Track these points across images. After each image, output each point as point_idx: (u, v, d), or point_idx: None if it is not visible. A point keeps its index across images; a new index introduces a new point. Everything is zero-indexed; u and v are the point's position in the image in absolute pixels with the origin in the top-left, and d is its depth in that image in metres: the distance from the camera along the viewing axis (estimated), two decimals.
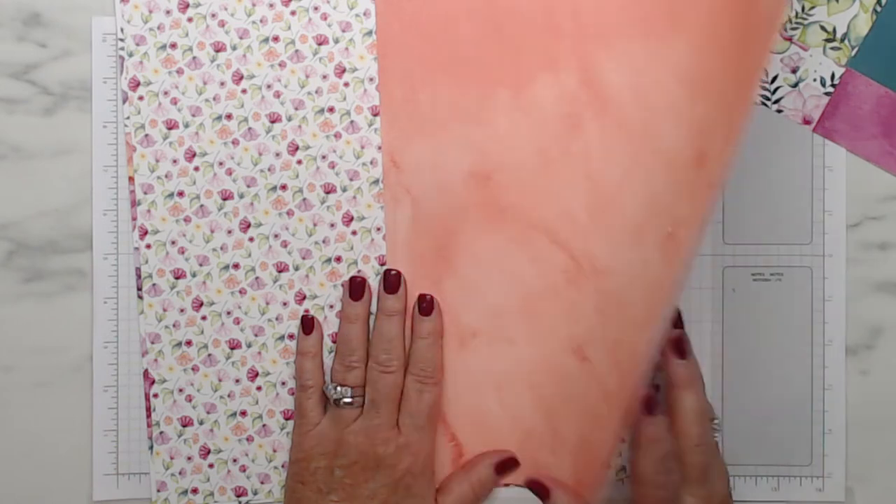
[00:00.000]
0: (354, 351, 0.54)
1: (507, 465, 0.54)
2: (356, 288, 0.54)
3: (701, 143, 0.51)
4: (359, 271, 0.55)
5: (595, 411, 0.53)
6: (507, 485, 0.55)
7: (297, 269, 0.55)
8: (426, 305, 0.54)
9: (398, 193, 0.55)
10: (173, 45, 0.55)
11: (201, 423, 0.55)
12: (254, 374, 0.55)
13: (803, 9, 0.56)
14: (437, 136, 0.54)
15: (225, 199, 0.55)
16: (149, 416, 0.55)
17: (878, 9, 0.56)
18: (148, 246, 0.55)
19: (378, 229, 0.55)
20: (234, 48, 0.55)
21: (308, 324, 0.55)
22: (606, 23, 0.53)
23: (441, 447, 0.55)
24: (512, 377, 0.54)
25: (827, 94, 0.56)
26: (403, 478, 0.52)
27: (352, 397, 0.53)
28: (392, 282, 0.54)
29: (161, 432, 0.55)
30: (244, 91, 0.55)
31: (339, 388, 0.53)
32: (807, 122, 0.56)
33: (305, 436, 0.53)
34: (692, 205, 0.51)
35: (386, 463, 0.52)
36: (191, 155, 0.55)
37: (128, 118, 0.55)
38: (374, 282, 0.55)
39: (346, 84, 0.55)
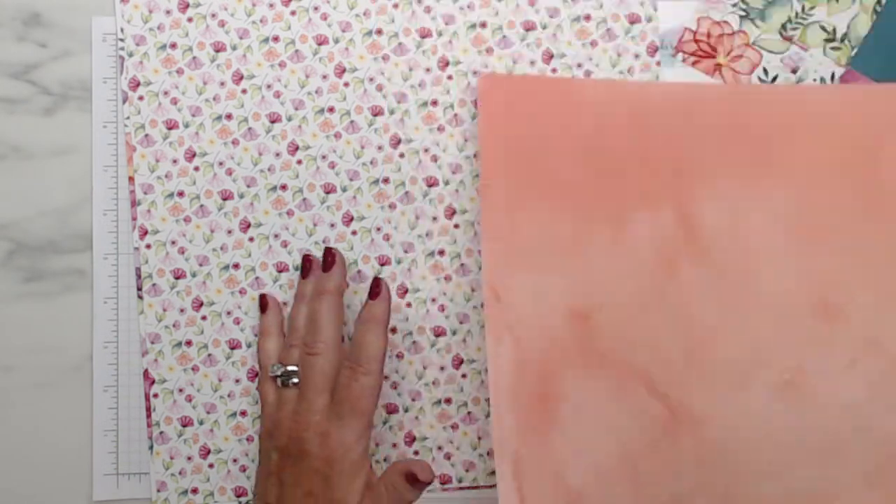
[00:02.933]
0: (297, 330, 0.52)
1: (417, 477, 0.50)
2: (306, 266, 0.54)
3: (823, 291, 0.52)
4: (359, 272, 0.55)
5: None
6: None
7: (297, 269, 0.55)
8: (375, 289, 0.52)
9: (500, 330, 0.52)
10: (173, 45, 0.55)
11: (201, 423, 0.55)
12: (254, 374, 0.55)
13: (803, 9, 0.56)
14: (538, 268, 0.52)
15: (225, 199, 0.55)
16: (149, 416, 0.55)
17: (878, 9, 0.56)
18: (148, 246, 0.55)
19: (378, 229, 0.55)
20: (234, 48, 0.55)
21: (264, 303, 0.54)
22: (703, 163, 0.53)
23: None
24: None
25: None
26: (322, 468, 0.49)
27: (289, 377, 0.51)
28: (328, 260, 0.53)
29: (161, 432, 0.55)
30: (244, 91, 0.55)
31: (279, 368, 0.52)
32: None
33: (266, 420, 0.52)
34: (823, 356, 0.51)
35: (307, 450, 0.49)
36: (191, 155, 0.55)
37: (128, 118, 0.55)
38: (371, 274, 0.55)
39: (346, 84, 0.55)
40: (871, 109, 0.53)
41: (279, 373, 0.51)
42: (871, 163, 0.53)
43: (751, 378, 0.52)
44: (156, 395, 0.55)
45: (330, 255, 0.53)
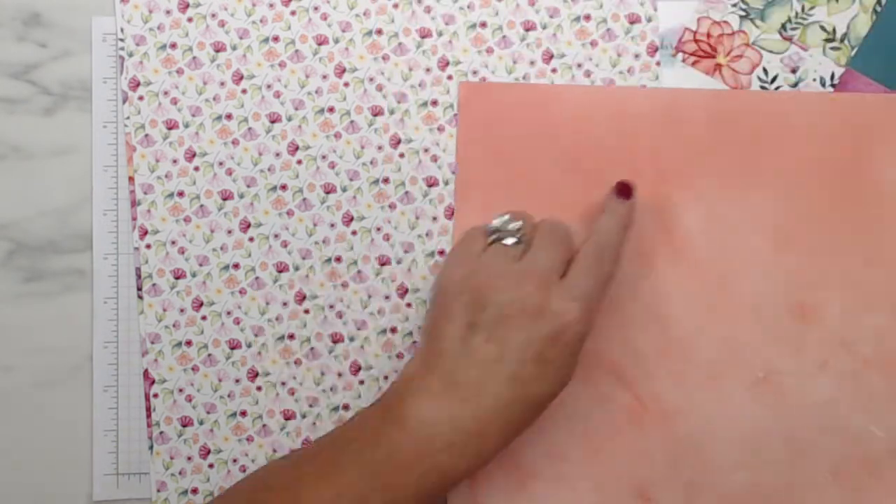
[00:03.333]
0: (524, 215, 0.50)
1: (625, 187, 0.51)
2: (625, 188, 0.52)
3: (799, 293, 0.54)
4: (359, 272, 0.55)
5: None
6: None
7: (297, 269, 0.55)
8: (625, 189, 0.51)
9: None
10: (173, 45, 0.55)
11: (201, 423, 0.55)
12: (254, 374, 0.55)
13: (803, 9, 0.56)
14: None
15: (225, 199, 0.55)
16: (149, 416, 0.55)
17: (878, 9, 0.56)
18: (148, 246, 0.55)
19: (378, 229, 0.55)
20: (234, 48, 0.55)
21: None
22: (684, 167, 0.54)
23: None
24: None
25: None
26: (565, 332, 0.46)
27: (516, 232, 0.49)
28: (624, 189, 0.51)
29: (161, 432, 0.55)
30: (244, 91, 0.55)
31: (502, 218, 0.50)
32: None
33: (462, 263, 0.49)
34: (797, 356, 0.54)
35: (548, 311, 0.46)
36: (191, 155, 0.55)
37: (128, 118, 0.55)
38: (383, 289, 0.55)
39: (346, 84, 0.55)
40: (854, 118, 0.55)
41: (503, 224, 0.50)
42: (851, 170, 0.54)
43: (724, 375, 0.54)
44: (156, 395, 0.55)
45: (628, 185, 0.52)
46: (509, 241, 0.49)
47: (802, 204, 0.54)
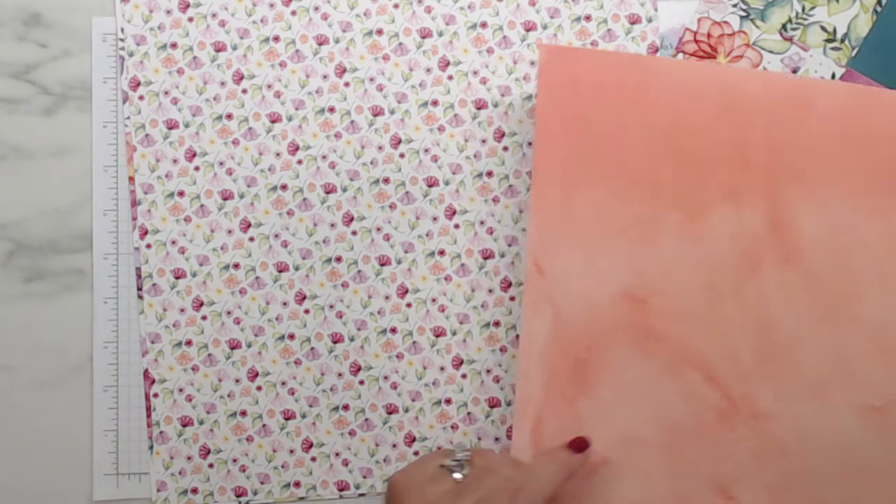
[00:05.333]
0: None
1: (580, 443, 0.49)
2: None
3: None
4: (359, 272, 0.55)
5: None
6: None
7: (297, 269, 0.55)
8: (581, 445, 0.49)
9: (539, 301, 0.51)
10: (174, 45, 0.55)
11: (201, 423, 0.55)
12: (254, 374, 0.55)
13: (803, 9, 0.56)
14: (592, 248, 0.51)
15: (225, 199, 0.55)
16: (149, 416, 0.55)
17: (878, 9, 0.56)
18: (148, 246, 0.55)
19: (378, 229, 0.55)
20: (234, 48, 0.55)
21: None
22: (806, 166, 0.50)
23: None
24: None
25: None
26: None
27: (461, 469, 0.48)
28: (580, 445, 0.50)
29: (161, 432, 0.55)
30: (244, 91, 0.55)
31: (464, 454, 0.49)
32: None
33: (409, 488, 0.48)
34: None
35: None
36: (191, 155, 0.55)
37: (128, 118, 0.55)
38: (383, 289, 0.55)
39: (347, 84, 0.55)
40: None
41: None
42: None
43: (832, 393, 0.50)
44: (156, 395, 0.55)
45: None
46: (458, 475, 0.48)
47: None
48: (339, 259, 0.55)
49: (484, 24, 0.55)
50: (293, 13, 0.55)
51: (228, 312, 0.55)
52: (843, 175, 0.50)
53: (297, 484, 0.55)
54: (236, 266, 0.55)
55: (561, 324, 0.51)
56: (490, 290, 0.55)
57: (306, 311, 0.55)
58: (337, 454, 0.55)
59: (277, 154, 0.55)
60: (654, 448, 0.50)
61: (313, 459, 0.55)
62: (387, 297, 0.55)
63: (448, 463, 0.48)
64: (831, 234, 0.50)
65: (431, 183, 0.55)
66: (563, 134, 0.51)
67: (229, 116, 0.55)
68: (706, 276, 0.50)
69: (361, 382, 0.55)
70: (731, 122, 0.50)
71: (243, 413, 0.55)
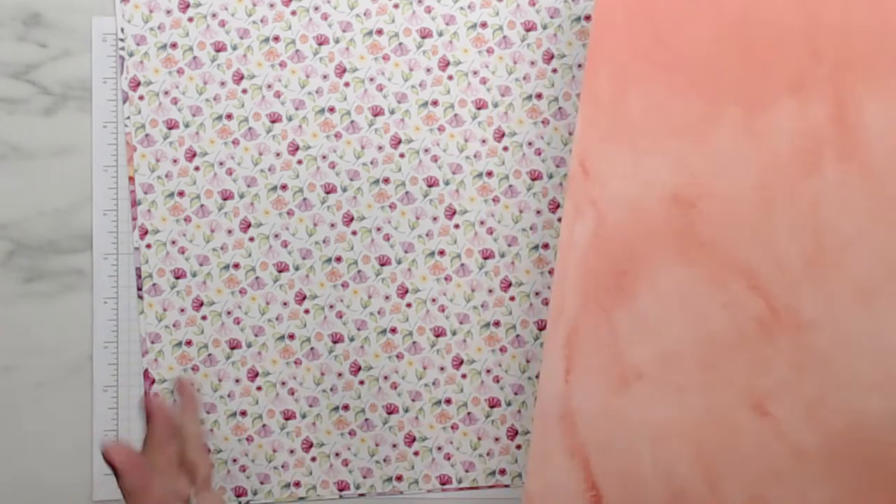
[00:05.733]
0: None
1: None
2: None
3: None
4: (359, 272, 0.55)
5: (778, 468, 0.48)
6: None
7: (297, 269, 0.55)
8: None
9: (582, 203, 0.49)
10: (174, 45, 0.55)
11: (201, 423, 0.55)
12: (254, 374, 0.55)
13: None
14: (642, 146, 0.48)
15: (225, 199, 0.55)
16: None
17: None
18: (148, 246, 0.55)
19: (378, 229, 0.55)
20: (234, 48, 0.55)
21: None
22: (877, 56, 0.47)
23: (577, 495, 0.49)
24: (673, 428, 0.49)
25: None
26: None
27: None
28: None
29: None
30: (244, 91, 0.55)
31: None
32: None
33: None
34: None
35: None
36: (191, 155, 0.55)
37: (128, 118, 0.55)
38: (383, 289, 0.55)
39: (347, 84, 0.55)
40: None
41: None
42: None
43: (879, 292, 0.47)
44: (156, 395, 0.55)
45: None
46: None
47: None
48: (339, 259, 0.55)
49: (484, 24, 0.55)
50: (293, 13, 0.55)
51: (228, 312, 0.55)
52: None
53: (297, 484, 0.55)
54: (236, 266, 0.55)
55: (603, 229, 0.49)
56: (490, 290, 0.55)
57: (306, 311, 0.55)
58: (337, 454, 0.55)
59: (277, 154, 0.55)
60: (689, 362, 0.48)
61: (313, 459, 0.55)
62: (387, 297, 0.55)
63: None
64: (894, 125, 0.47)
65: (431, 183, 0.55)
66: (623, 24, 0.49)
67: (229, 116, 0.55)
68: (760, 177, 0.48)
69: (361, 382, 0.55)
70: (802, 9, 0.48)
71: (243, 413, 0.55)
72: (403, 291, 0.55)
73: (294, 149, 0.55)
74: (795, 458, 0.48)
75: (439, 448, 0.55)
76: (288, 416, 0.55)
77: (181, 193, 0.55)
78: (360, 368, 0.55)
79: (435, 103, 0.55)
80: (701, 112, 0.48)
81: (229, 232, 0.55)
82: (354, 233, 0.55)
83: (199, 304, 0.55)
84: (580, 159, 0.49)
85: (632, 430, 0.49)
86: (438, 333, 0.55)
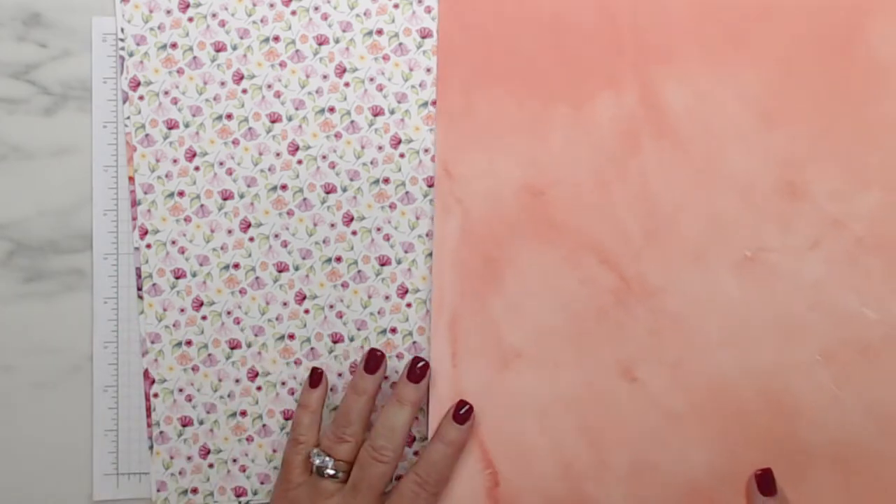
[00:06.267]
0: (352, 424, 0.51)
1: (464, 413, 0.52)
2: (372, 361, 0.52)
3: (789, 171, 0.52)
4: (359, 272, 0.55)
5: (656, 432, 0.53)
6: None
7: (297, 269, 0.55)
8: (464, 413, 0.52)
9: (449, 203, 0.54)
10: (174, 45, 0.55)
11: (201, 423, 0.55)
12: (254, 374, 0.55)
13: None
14: (493, 147, 0.54)
15: (225, 199, 0.55)
16: (149, 416, 0.55)
17: None
18: (148, 246, 0.55)
19: (378, 229, 0.55)
20: (234, 48, 0.55)
21: (316, 378, 0.53)
22: (667, 43, 0.53)
23: (476, 474, 0.53)
24: (556, 403, 0.53)
25: None
26: None
27: (335, 470, 0.51)
28: (419, 372, 0.52)
29: (161, 432, 0.55)
30: (244, 91, 0.55)
31: (325, 458, 0.51)
32: None
33: (283, 496, 0.51)
34: (786, 235, 0.52)
35: None
36: (191, 155, 0.55)
37: (128, 118, 0.55)
38: (383, 289, 0.55)
39: (347, 84, 0.55)
40: None
41: (324, 464, 0.51)
42: (845, 42, 0.52)
43: (710, 254, 0.53)
44: (156, 395, 0.55)
45: (423, 368, 0.52)
46: (330, 471, 0.51)
47: (793, 80, 0.52)
48: (339, 259, 0.55)
49: None
50: (293, 13, 0.55)
51: (228, 312, 0.55)
52: (699, 46, 0.53)
53: None
54: (236, 266, 0.55)
55: (469, 223, 0.54)
56: None
57: (306, 311, 0.55)
58: None
59: (277, 154, 0.55)
60: (560, 338, 0.53)
61: None
62: (387, 297, 0.55)
63: (317, 463, 0.51)
64: (693, 101, 0.53)
65: (431, 183, 0.55)
66: (463, 39, 0.54)
67: (229, 116, 0.55)
68: (594, 161, 0.54)
69: None
70: (604, 12, 0.54)
71: (243, 413, 0.55)
72: (403, 291, 0.55)
73: (294, 149, 0.55)
74: (669, 421, 0.53)
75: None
76: (288, 415, 0.55)
77: (181, 193, 0.55)
78: None
79: (435, 103, 0.55)
80: (536, 111, 0.54)
81: (229, 232, 0.55)
82: (354, 233, 0.55)
83: (199, 304, 0.55)
84: (443, 164, 0.54)
85: (518, 409, 0.53)
86: None
